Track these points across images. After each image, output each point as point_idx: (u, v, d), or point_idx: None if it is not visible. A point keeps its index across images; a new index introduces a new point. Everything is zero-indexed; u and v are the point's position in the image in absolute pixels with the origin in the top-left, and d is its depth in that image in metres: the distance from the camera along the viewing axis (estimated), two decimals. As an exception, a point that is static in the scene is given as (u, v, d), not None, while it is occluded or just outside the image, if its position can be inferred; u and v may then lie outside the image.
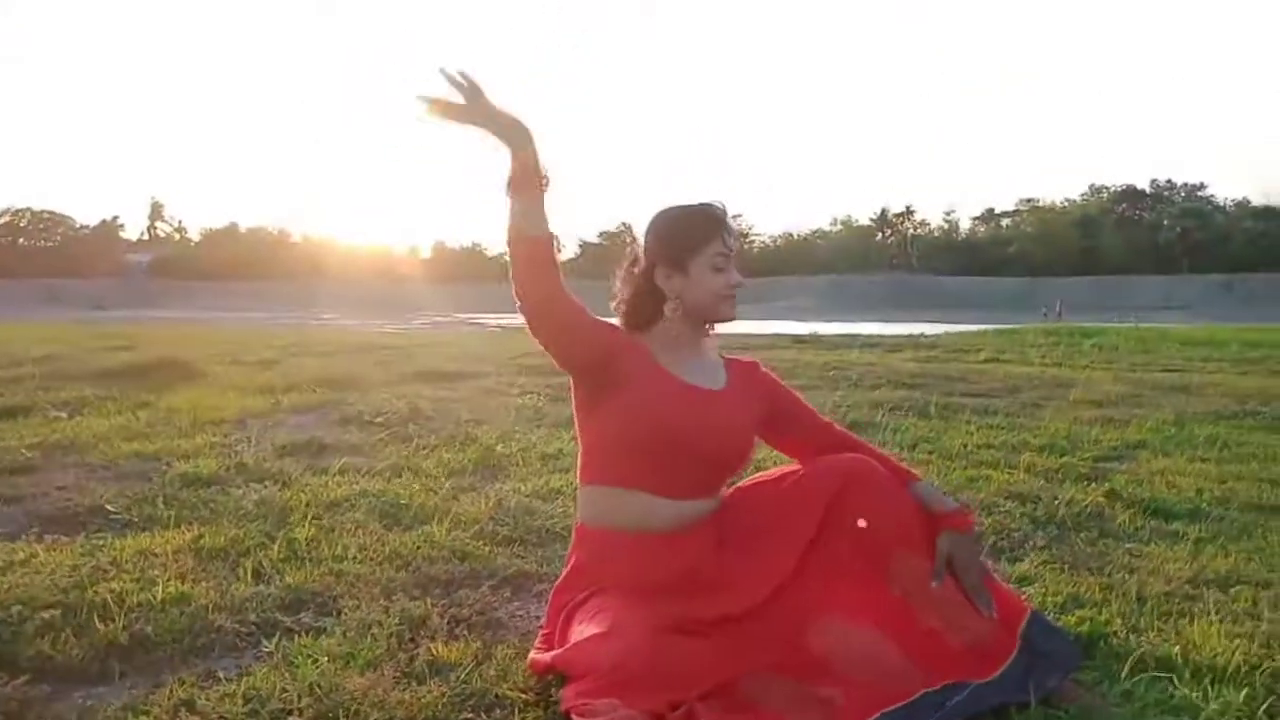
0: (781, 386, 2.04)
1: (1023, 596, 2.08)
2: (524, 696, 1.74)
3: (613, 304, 1.95)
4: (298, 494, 3.28)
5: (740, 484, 2.02)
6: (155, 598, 2.19)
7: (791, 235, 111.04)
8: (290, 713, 1.61)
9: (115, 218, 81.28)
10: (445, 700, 1.69)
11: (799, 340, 14.77)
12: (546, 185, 1.75)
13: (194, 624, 2.08)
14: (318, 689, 1.69)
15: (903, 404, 6.14)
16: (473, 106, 1.70)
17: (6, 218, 72.01)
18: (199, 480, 3.55)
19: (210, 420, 5.35)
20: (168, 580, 2.32)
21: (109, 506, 3.09)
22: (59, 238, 72.31)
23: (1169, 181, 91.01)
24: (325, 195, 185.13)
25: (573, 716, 1.58)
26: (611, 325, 1.88)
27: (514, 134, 1.72)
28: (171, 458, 4.00)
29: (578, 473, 1.96)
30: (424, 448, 4.35)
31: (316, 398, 6.33)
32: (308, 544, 2.70)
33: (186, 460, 3.88)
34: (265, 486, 3.40)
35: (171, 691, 1.71)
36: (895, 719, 1.62)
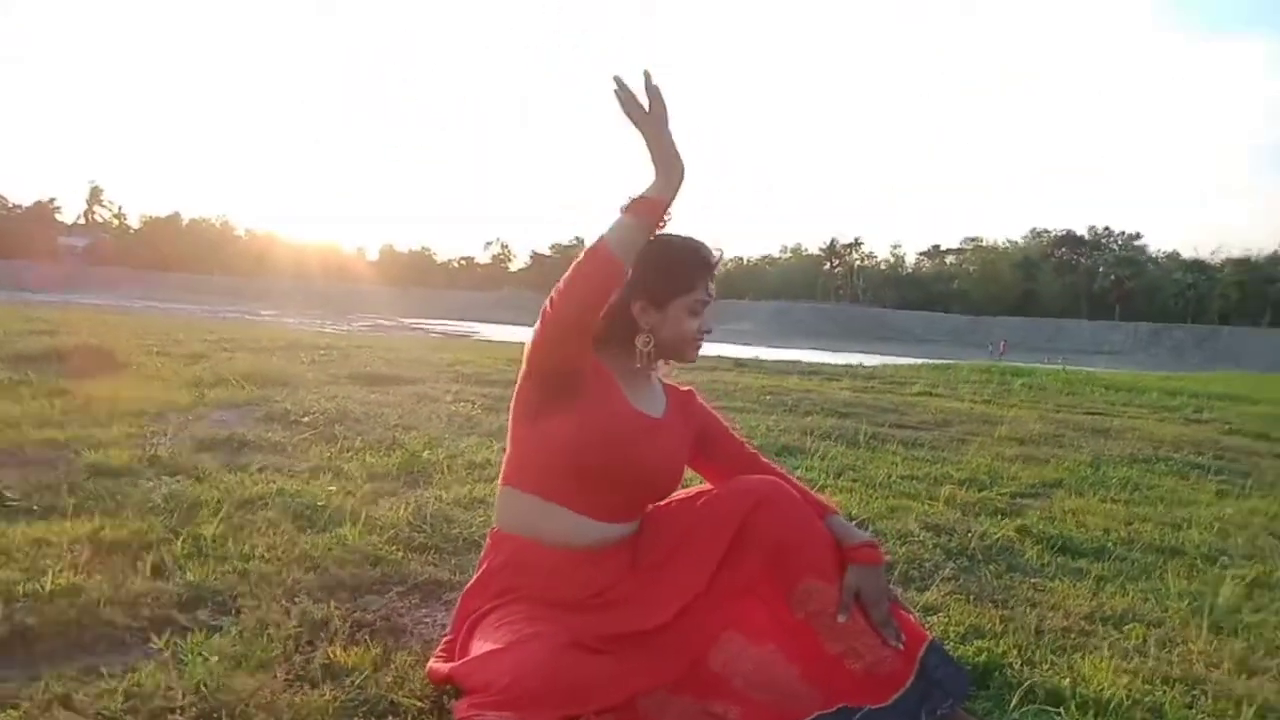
0: (713, 416, 2.06)
1: (925, 625, 2.12)
2: (419, 704, 1.72)
3: None
4: (210, 490, 3.20)
5: (656, 504, 2.03)
6: (44, 588, 2.12)
7: (742, 260, 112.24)
8: (172, 711, 1.56)
9: (51, 200, 78.88)
10: (336, 705, 1.67)
11: (740, 364, 14.88)
12: (662, 226, 1.74)
13: (82, 618, 2.01)
14: (204, 688, 1.65)
15: (833, 432, 6.22)
16: (653, 119, 1.68)
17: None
18: (108, 471, 3.44)
19: (129, 411, 5.19)
20: (59, 571, 2.24)
21: (7, 493, 2.98)
22: (-11, 216, 69.92)
23: (1106, 229, 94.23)
24: (271, 190, 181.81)
25: (468, 733, 1.57)
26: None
27: (672, 167, 1.69)
28: (82, 447, 3.86)
29: (501, 472, 1.93)
30: (348, 450, 4.28)
31: (243, 394, 6.19)
32: (214, 541, 2.63)
33: (97, 450, 3.76)
34: (177, 481, 3.31)
35: (47, 685, 1.65)
36: (787, 739, 1.63)
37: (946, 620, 2.42)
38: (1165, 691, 1.99)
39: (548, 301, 1.70)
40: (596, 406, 1.81)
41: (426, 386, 7.35)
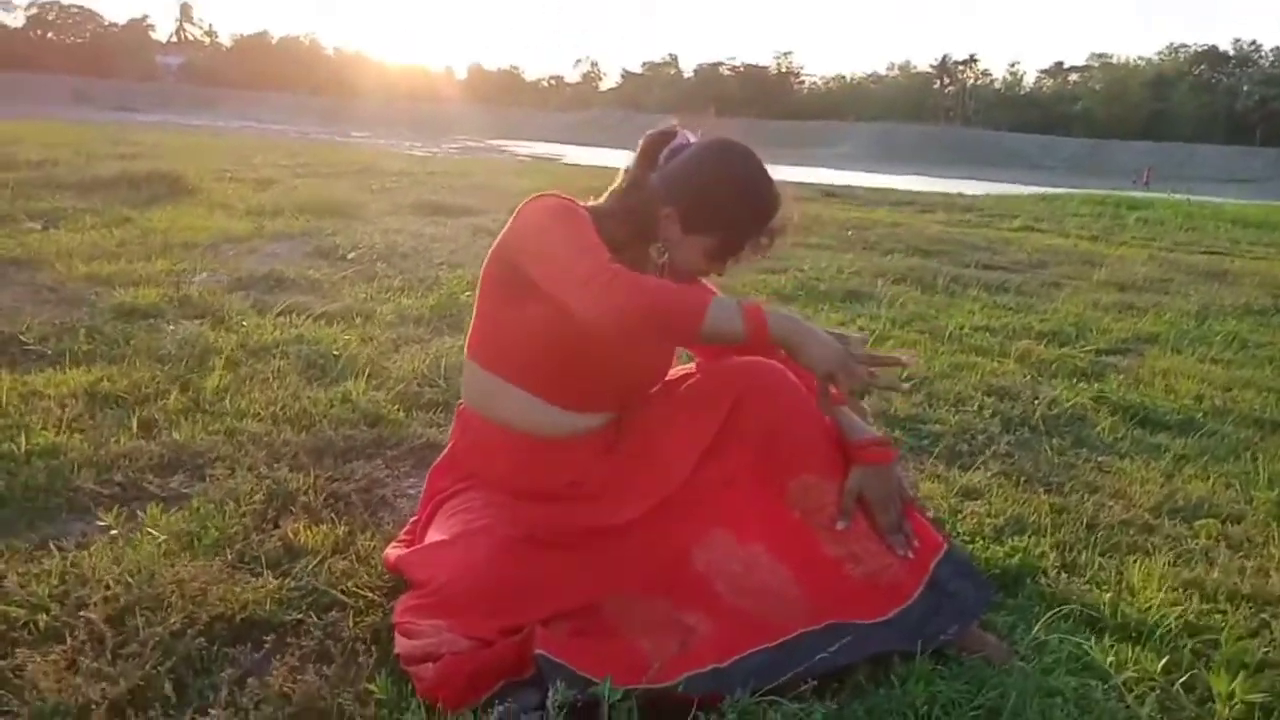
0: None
1: (943, 528, 1.88)
2: (368, 596, 1.59)
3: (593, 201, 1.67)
4: (227, 335, 3.11)
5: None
6: (20, 449, 2.05)
7: (844, 78, 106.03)
8: (95, 603, 1.46)
9: (145, 17, 78.80)
10: (275, 597, 1.54)
11: (829, 194, 14.15)
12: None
13: (53, 483, 1.94)
14: (136, 575, 1.54)
15: (910, 274, 5.80)
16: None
17: (34, 10, 70.08)
18: (133, 312, 3.39)
19: (182, 243, 5.16)
20: (42, 429, 2.17)
21: (23, 336, 2.94)
22: (88, 34, 70.40)
23: (1254, 43, 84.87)
24: (355, 6, 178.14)
25: (397, 634, 1.43)
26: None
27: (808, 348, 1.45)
28: (119, 284, 3.82)
29: (466, 341, 1.72)
30: (385, 290, 4.14)
31: (299, 224, 6.11)
32: (214, 394, 2.54)
33: (130, 289, 3.71)
34: (196, 324, 3.23)
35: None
36: (759, 661, 1.44)
37: (985, 509, 2.16)
38: (1227, 613, 1.72)
39: (618, 290, 1.40)
40: None
41: (489, 218, 7.14)
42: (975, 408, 2.99)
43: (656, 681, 1.41)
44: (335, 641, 1.44)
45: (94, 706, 1.23)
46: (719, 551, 1.62)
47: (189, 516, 1.79)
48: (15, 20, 70.44)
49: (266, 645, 1.42)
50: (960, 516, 2.11)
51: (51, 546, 1.67)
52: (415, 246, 5.33)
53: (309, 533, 1.79)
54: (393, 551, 1.67)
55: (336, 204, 7.21)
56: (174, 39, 74.28)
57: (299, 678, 1.33)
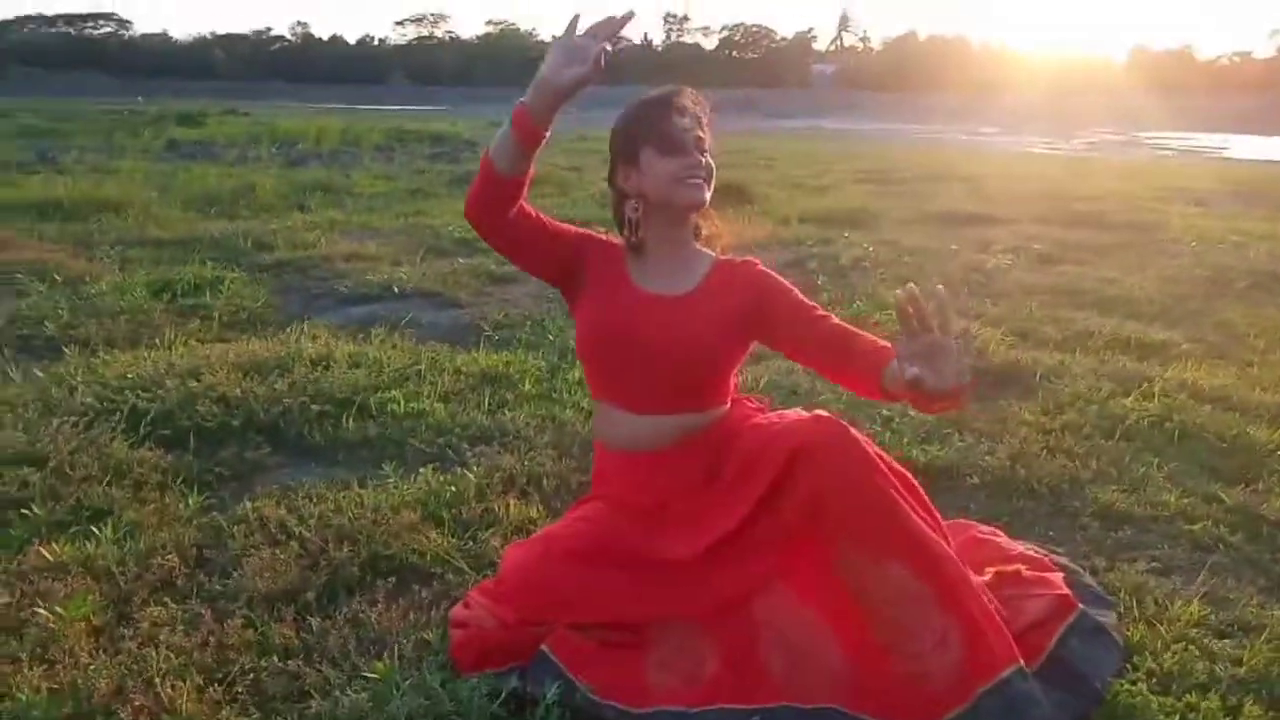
0: (774, 286, 1.72)
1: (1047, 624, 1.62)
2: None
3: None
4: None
5: (758, 416, 1.81)
6: (400, 409, 2.83)
7: None
8: (325, 527, 2.06)
9: (809, 30, 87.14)
10: (440, 554, 1.98)
11: None
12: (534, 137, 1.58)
13: (399, 437, 2.66)
14: (354, 515, 2.11)
15: None
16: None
17: (725, 33, 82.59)
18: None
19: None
20: (428, 396, 2.94)
21: (483, 324, 3.88)
22: (761, 50, 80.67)
23: None
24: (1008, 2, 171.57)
25: (459, 605, 1.76)
26: (584, 234, 1.79)
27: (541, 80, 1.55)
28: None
29: None
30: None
31: (806, 233, 6.50)
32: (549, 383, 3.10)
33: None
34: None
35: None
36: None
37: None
38: None
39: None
40: (594, 297, 1.73)
41: (1001, 229, 6.77)
42: None
43: (631, 704, 1.53)
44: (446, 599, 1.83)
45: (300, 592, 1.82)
46: (779, 605, 1.62)
47: (434, 483, 2.32)
48: (710, 42, 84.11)
49: (391, 586, 1.87)
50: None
51: (354, 485, 2.34)
52: (881, 260, 5.39)
53: (517, 506, 2.21)
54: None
55: (858, 213, 7.51)
56: (832, 48, 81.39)
57: (388, 611, 1.75)
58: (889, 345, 1.56)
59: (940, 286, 1.45)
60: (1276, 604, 1.88)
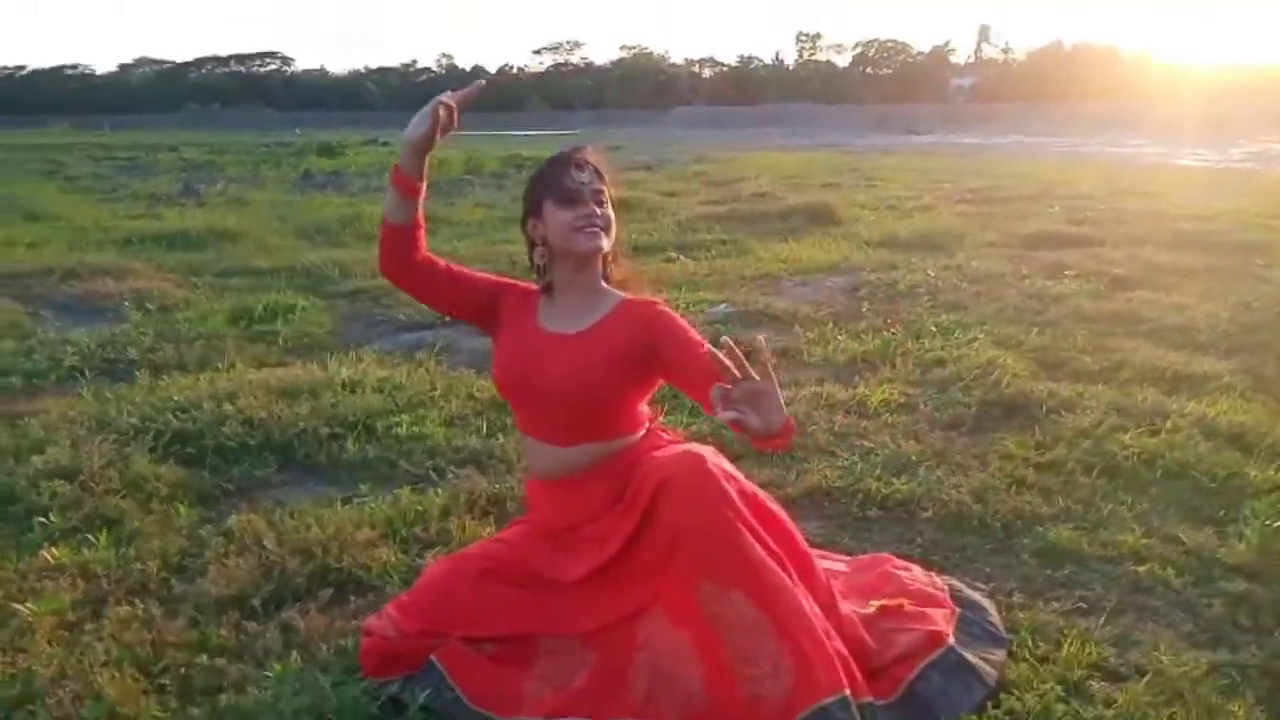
0: (665, 324, 1.80)
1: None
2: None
3: None
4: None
5: (665, 447, 1.91)
6: (404, 430, 3.04)
7: None
8: (271, 540, 2.28)
9: (947, 43, 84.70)
10: (390, 566, 2.17)
11: None
12: (409, 191, 1.79)
13: (391, 457, 2.87)
14: (318, 531, 2.32)
15: None
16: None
17: (859, 49, 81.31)
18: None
19: (756, 276, 5.99)
20: (435, 421, 3.14)
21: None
22: (896, 65, 79.02)
23: None
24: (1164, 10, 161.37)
25: (375, 615, 1.93)
26: (499, 283, 1.95)
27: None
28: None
29: None
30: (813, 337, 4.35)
31: (878, 258, 6.44)
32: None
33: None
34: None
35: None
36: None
37: None
38: None
39: None
40: (507, 334, 1.88)
41: (1089, 252, 6.50)
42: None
43: (498, 712, 1.67)
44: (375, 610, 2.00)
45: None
46: (658, 627, 1.73)
47: (403, 502, 2.50)
48: (843, 59, 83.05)
49: (329, 596, 2.05)
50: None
51: (336, 503, 2.55)
52: (938, 286, 5.29)
53: (470, 526, 2.37)
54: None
55: (941, 236, 7.35)
56: (971, 60, 78.80)
57: (319, 618, 1.94)
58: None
59: (761, 338, 1.53)
60: (1190, 649, 1.83)
